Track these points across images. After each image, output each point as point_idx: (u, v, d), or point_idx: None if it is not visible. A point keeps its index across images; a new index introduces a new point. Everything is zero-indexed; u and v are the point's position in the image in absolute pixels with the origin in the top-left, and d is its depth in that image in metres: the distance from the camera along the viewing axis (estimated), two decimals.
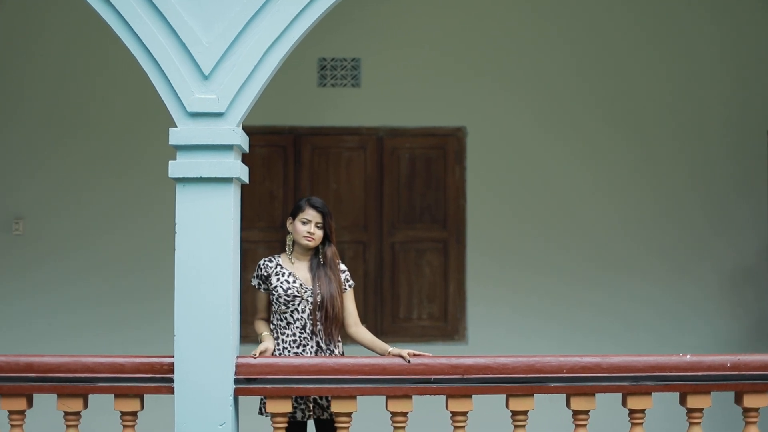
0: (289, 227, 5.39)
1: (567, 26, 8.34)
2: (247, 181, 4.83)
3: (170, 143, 4.58)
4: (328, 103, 8.25)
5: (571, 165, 8.28)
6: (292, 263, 5.32)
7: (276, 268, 5.29)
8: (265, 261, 5.34)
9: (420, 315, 8.18)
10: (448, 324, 8.21)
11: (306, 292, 5.22)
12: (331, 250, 5.36)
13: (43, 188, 8.16)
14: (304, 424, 5.20)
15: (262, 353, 4.82)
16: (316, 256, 5.36)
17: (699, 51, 8.36)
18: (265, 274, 5.28)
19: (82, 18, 7.85)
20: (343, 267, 5.39)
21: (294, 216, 5.37)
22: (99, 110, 8.18)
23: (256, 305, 5.38)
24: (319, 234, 5.32)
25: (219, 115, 4.60)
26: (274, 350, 5.11)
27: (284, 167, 8.21)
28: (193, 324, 4.56)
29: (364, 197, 8.25)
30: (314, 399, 5.16)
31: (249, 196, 7.70)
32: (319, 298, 5.20)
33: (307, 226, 5.31)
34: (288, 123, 8.20)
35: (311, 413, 5.16)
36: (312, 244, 5.30)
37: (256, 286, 5.34)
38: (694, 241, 8.32)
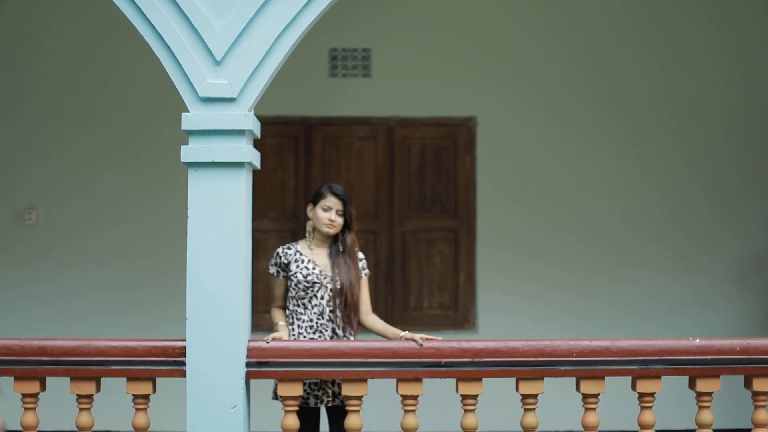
0: (309, 213, 5.39)
1: (574, 20, 8.35)
2: (258, 166, 4.86)
3: (182, 128, 4.61)
4: (339, 94, 8.28)
5: (579, 156, 8.29)
6: (311, 250, 5.33)
7: (295, 255, 5.30)
8: (284, 248, 5.36)
9: (430, 304, 8.21)
10: (459, 313, 8.23)
11: (325, 278, 5.24)
12: (350, 238, 5.37)
13: (54, 177, 8.21)
14: (317, 411, 5.23)
15: (275, 340, 4.84)
16: (335, 243, 5.37)
17: (700, 45, 8.37)
18: (285, 261, 5.29)
19: (93, 5, 7.90)
20: (360, 255, 5.41)
21: (315, 202, 5.37)
22: (109, 98, 8.22)
23: (274, 293, 5.39)
24: (339, 221, 5.32)
25: (231, 100, 4.63)
26: (289, 337, 5.14)
27: (295, 157, 8.24)
28: (205, 308, 4.59)
29: (374, 187, 8.27)
30: (326, 385, 5.18)
31: (260, 185, 7.73)
32: (338, 285, 5.22)
33: (328, 213, 5.31)
34: (299, 113, 8.23)
35: (329, 398, 5.18)
36: (332, 231, 5.30)
37: (275, 274, 5.34)
38: (701, 232, 8.32)
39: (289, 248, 5.36)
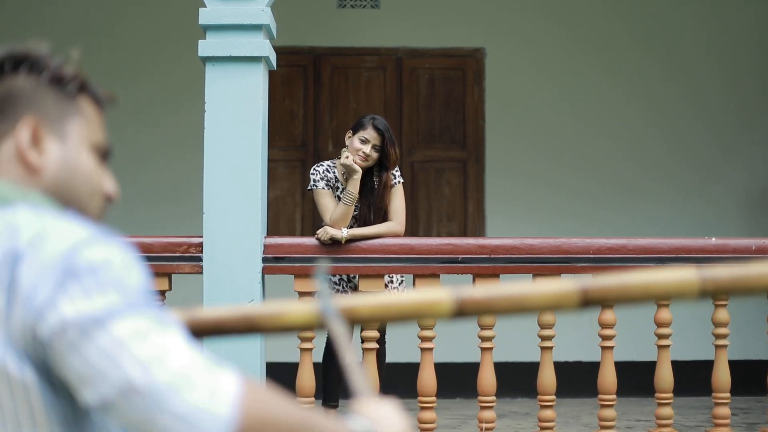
0: (347, 141, 5.27)
1: None
2: (275, 66, 4.85)
3: (200, 23, 4.60)
4: (347, 24, 8.25)
5: (586, 88, 8.26)
6: (345, 178, 5.21)
7: (333, 182, 5.24)
8: (326, 166, 5.27)
9: (439, 233, 8.20)
10: None
11: (355, 211, 5.15)
12: (386, 176, 5.19)
13: None
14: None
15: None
16: (369, 178, 5.22)
17: None
18: (333, 176, 5.22)
19: None
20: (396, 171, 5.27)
21: (354, 131, 5.26)
22: (126, 25, 8.13)
23: (327, 206, 5.12)
24: (374, 156, 5.18)
25: None
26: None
27: (304, 87, 8.22)
28: (222, 203, 4.59)
29: (383, 117, 8.24)
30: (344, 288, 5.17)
31: (268, 115, 7.68)
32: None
33: (365, 146, 5.19)
34: (308, 43, 8.19)
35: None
36: (364, 164, 5.14)
37: (323, 188, 5.21)
38: (705, 166, 8.30)
39: (328, 171, 5.26)
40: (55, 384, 1.43)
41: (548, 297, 1.64)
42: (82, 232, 1.45)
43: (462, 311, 1.62)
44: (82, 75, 1.65)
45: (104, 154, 1.66)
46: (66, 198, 1.59)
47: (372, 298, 1.66)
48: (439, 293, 1.64)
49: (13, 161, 1.58)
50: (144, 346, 1.37)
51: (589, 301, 1.65)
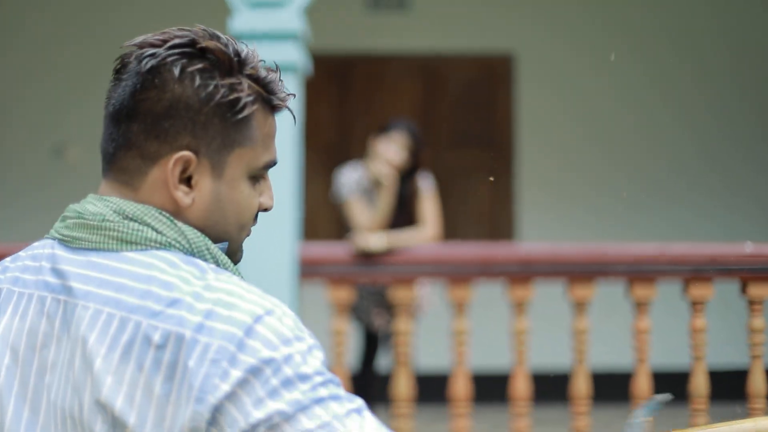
0: (373, 146, 5.17)
1: None
2: (309, 72, 4.83)
3: (229, 32, 4.58)
4: (377, 28, 8.24)
5: (623, 89, 8.22)
6: (376, 184, 5.15)
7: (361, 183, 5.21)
8: (349, 170, 5.22)
9: (468, 238, 8.17)
10: None
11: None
12: (415, 183, 5.13)
13: (91, 113, 8.20)
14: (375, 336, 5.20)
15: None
16: (398, 184, 5.15)
17: None
18: (357, 177, 5.17)
19: None
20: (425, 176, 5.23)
21: (381, 135, 5.19)
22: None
23: (359, 215, 5.06)
24: (403, 159, 5.10)
25: (279, 3, 4.58)
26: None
27: (332, 91, 8.21)
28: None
29: (411, 121, 8.23)
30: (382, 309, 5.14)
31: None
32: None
33: (393, 149, 5.12)
34: (337, 47, 8.19)
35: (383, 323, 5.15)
36: (394, 168, 5.07)
37: (352, 196, 5.11)
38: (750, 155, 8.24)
39: (352, 172, 5.21)
40: None
41: None
42: (252, 307, 1.36)
43: None
44: (258, 90, 1.48)
45: (268, 168, 1.53)
46: (211, 233, 1.48)
47: None
48: None
49: (161, 188, 1.45)
50: None
51: None
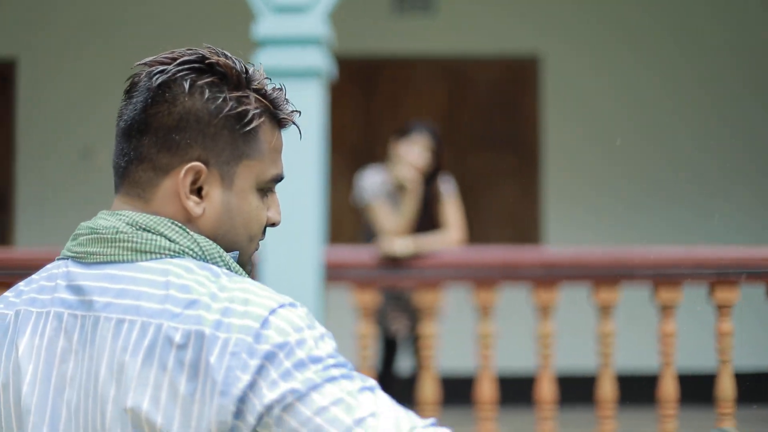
0: (395, 149, 5.14)
1: None
2: (334, 76, 4.84)
3: (253, 38, 4.59)
4: (402, 31, 8.24)
5: (649, 92, 8.19)
6: (399, 188, 5.14)
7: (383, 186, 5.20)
8: (370, 173, 5.21)
9: (494, 241, 8.16)
10: None
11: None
12: (437, 185, 5.10)
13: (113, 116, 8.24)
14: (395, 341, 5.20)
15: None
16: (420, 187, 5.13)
17: None
18: (380, 180, 5.16)
19: None
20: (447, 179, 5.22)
21: (402, 138, 5.18)
22: (178, 45, 8.22)
23: (384, 219, 5.02)
24: (426, 160, 5.07)
25: (303, 8, 4.60)
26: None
27: (356, 94, 8.22)
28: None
29: (436, 124, 8.23)
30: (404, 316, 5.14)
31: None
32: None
33: (415, 151, 5.10)
34: (361, 49, 8.20)
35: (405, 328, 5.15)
36: (418, 170, 5.04)
37: (376, 199, 5.08)
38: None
39: (374, 175, 5.20)
40: None
41: None
42: (266, 302, 1.40)
43: None
44: (265, 104, 1.52)
45: (276, 182, 1.57)
46: (221, 243, 1.51)
47: None
48: None
49: (173, 198, 1.49)
50: (350, 412, 1.34)
51: None
